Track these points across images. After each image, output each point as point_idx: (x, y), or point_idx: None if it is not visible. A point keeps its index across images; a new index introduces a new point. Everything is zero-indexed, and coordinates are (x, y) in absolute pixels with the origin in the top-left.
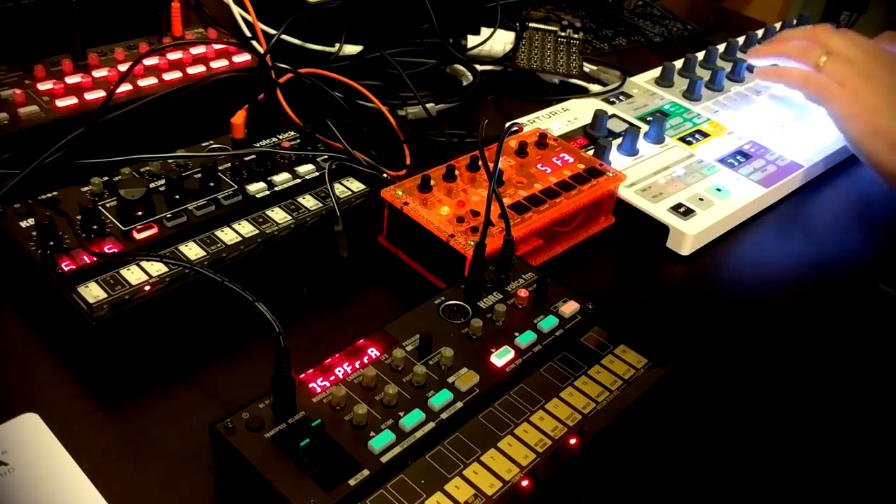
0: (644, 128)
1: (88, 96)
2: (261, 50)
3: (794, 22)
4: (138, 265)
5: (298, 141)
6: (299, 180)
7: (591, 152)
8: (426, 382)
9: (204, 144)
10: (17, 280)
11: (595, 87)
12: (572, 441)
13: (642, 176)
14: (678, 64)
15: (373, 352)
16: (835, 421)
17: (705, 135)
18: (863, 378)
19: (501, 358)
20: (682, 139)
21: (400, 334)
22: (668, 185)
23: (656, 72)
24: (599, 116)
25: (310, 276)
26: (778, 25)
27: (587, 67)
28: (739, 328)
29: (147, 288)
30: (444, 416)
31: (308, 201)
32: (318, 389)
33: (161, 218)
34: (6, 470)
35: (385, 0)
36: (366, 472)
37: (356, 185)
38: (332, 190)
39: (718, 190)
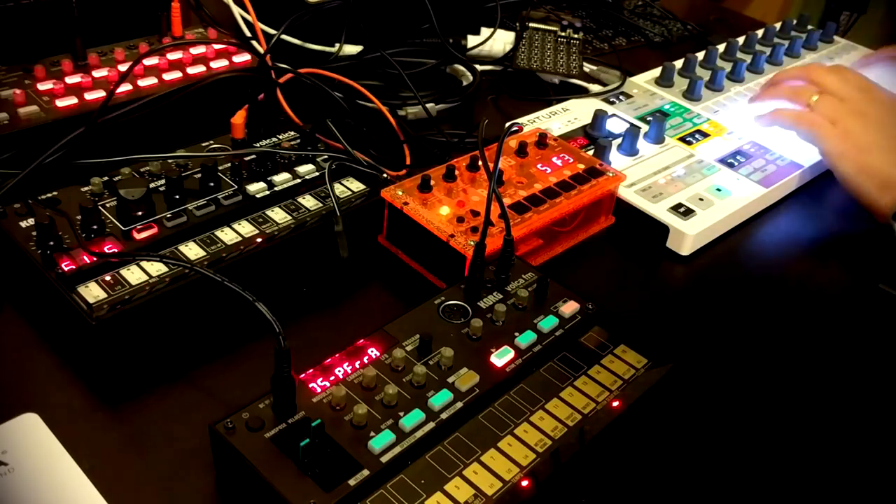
0: (644, 128)
1: (88, 96)
2: (261, 50)
3: (794, 22)
4: (138, 265)
5: (298, 141)
6: (299, 180)
7: (591, 152)
8: (426, 382)
9: (204, 144)
10: (17, 280)
11: (595, 87)
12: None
13: (642, 176)
14: (678, 64)
15: (373, 352)
16: (835, 421)
17: (705, 135)
18: (863, 378)
19: (501, 358)
20: (682, 139)
21: (400, 334)
22: (668, 185)
23: (656, 72)
24: (599, 116)
25: (310, 276)
26: (778, 25)
27: (587, 67)
28: (739, 328)
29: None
30: (444, 416)
31: (308, 201)
32: (318, 389)
33: (161, 218)
34: (6, 470)
35: (385, 0)
36: (366, 472)
37: (356, 185)
38: (332, 190)
39: (718, 190)
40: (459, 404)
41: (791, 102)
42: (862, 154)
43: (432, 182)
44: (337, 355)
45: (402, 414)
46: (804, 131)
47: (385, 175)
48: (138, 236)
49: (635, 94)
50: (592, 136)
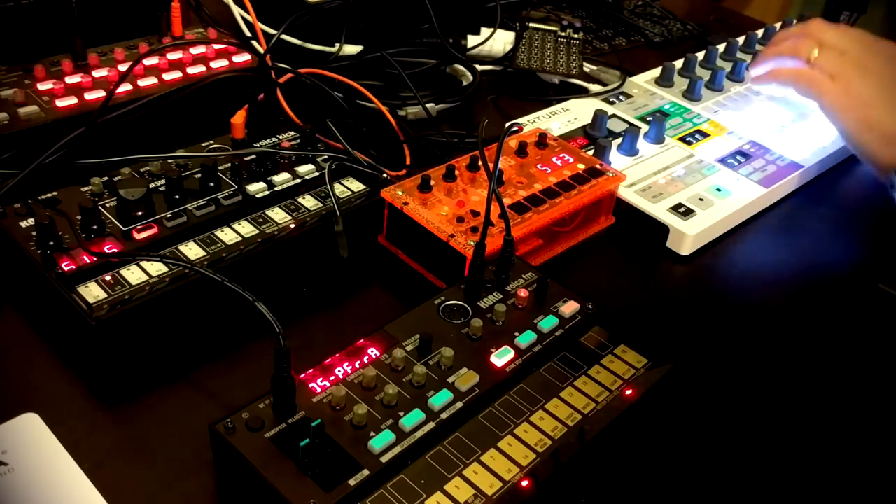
0: (644, 128)
1: (88, 96)
2: (261, 50)
3: (794, 22)
4: (138, 265)
5: (298, 141)
6: (299, 180)
7: (591, 152)
8: (426, 382)
9: (204, 144)
10: (17, 280)
11: (595, 87)
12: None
13: (642, 176)
14: (678, 64)
15: (373, 352)
16: (835, 421)
17: (705, 135)
18: (863, 378)
19: (501, 358)
20: (682, 139)
21: (400, 334)
22: (668, 185)
23: (656, 72)
24: (599, 116)
25: (310, 276)
26: (778, 25)
27: (587, 67)
28: (739, 328)
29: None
30: (444, 416)
31: (308, 201)
32: (318, 389)
33: (161, 218)
34: (6, 470)
35: (385, 0)
36: (366, 472)
37: (356, 185)
38: (332, 190)
39: (718, 190)
40: (459, 404)
41: (791, 59)
42: (864, 108)
43: (432, 182)
44: (337, 355)
45: (402, 414)
46: (803, 87)
47: (385, 175)
48: (138, 236)
49: (635, 94)
50: (592, 136)
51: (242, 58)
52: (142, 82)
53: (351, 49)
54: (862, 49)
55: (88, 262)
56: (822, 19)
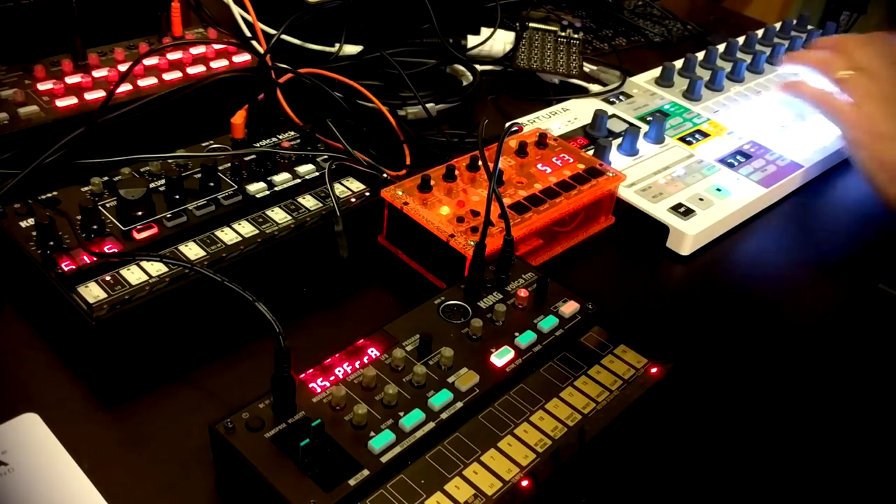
0: (644, 128)
1: (88, 96)
2: (261, 50)
3: (794, 22)
4: (138, 265)
5: (298, 141)
6: (299, 180)
7: (591, 152)
8: (426, 382)
9: (204, 144)
10: (17, 280)
11: (595, 87)
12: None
13: (642, 176)
14: (678, 64)
15: (373, 352)
16: (835, 420)
17: (705, 135)
18: (863, 378)
19: (501, 358)
20: (682, 139)
21: (400, 334)
22: (668, 185)
23: (656, 72)
24: (599, 116)
25: (310, 276)
26: (778, 25)
27: (587, 67)
28: (739, 328)
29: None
30: (444, 416)
31: (308, 201)
32: (318, 389)
33: (161, 218)
34: (6, 470)
35: (385, 0)
36: (366, 472)
37: (356, 185)
38: (332, 190)
39: (718, 190)
40: (459, 404)
41: (819, 73)
42: (878, 143)
43: (432, 182)
44: (337, 355)
45: (402, 414)
46: (826, 113)
47: (385, 175)
48: (138, 236)
49: (635, 94)
50: (592, 136)
51: (242, 58)
52: (142, 82)
53: (351, 49)
54: (893, 73)
55: (88, 262)
56: (857, 35)
